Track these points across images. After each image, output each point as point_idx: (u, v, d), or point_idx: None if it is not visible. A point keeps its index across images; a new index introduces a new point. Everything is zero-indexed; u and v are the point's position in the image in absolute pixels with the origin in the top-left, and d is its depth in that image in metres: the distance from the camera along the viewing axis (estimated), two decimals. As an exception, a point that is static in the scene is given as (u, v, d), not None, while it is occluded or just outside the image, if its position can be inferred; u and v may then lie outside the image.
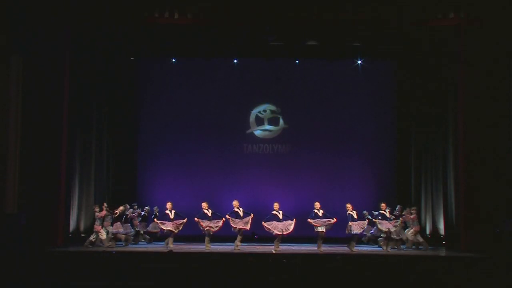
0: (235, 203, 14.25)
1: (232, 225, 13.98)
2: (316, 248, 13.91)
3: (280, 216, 13.99)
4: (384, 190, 16.56)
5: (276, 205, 14.16)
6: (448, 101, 15.37)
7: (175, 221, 14.06)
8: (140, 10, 14.05)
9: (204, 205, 14.19)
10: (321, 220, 13.97)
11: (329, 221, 13.98)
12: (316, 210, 14.12)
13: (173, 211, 14.26)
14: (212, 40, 15.67)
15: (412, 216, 14.65)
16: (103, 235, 14.29)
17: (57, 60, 14.03)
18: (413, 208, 14.90)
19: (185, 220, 14.15)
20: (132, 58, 16.85)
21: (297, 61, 17.08)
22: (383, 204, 14.45)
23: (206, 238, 13.97)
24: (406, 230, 14.70)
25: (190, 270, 8.63)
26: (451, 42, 14.75)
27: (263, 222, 13.97)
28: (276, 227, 13.85)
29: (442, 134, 15.76)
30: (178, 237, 15.27)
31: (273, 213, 14.04)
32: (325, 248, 14.24)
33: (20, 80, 13.82)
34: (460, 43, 14.32)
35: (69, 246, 14.02)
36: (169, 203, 14.37)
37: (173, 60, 16.99)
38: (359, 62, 16.78)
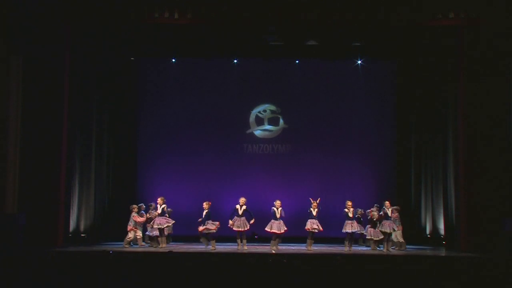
0: (242, 200, 14.27)
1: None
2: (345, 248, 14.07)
3: (278, 215, 14.02)
4: (384, 190, 16.56)
5: (277, 203, 14.18)
6: (448, 101, 15.38)
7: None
8: (140, 10, 14.04)
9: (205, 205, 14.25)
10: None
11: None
12: (346, 210, 14.23)
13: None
14: (212, 40, 15.68)
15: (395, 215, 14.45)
16: (139, 234, 14.55)
17: (57, 60, 14.03)
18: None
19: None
20: (132, 58, 16.85)
21: (297, 61, 17.08)
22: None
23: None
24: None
25: (190, 270, 8.62)
26: (451, 42, 14.76)
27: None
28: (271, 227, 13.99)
29: (442, 134, 15.76)
30: (178, 238, 15.36)
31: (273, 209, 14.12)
32: (324, 248, 14.26)
33: (20, 80, 13.82)
34: (460, 43, 14.33)
35: (69, 246, 14.03)
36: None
37: (173, 60, 16.99)
38: (359, 62, 16.78)
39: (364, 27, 14.69)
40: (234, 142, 16.99)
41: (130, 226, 14.53)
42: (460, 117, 14.35)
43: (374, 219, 14.23)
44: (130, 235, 14.47)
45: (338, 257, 9.66)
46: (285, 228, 14.04)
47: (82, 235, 15.37)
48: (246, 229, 14.06)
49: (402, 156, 16.82)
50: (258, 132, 17.11)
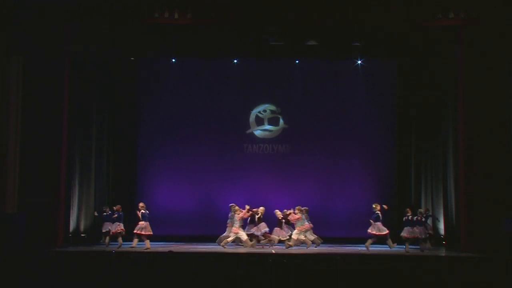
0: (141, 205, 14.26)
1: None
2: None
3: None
4: (384, 190, 16.56)
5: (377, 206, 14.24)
6: (448, 101, 15.38)
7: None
8: (140, 10, 14.04)
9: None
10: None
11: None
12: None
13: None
14: (212, 40, 15.68)
15: (297, 216, 14.46)
16: (243, 236, 14.37)
17: (57, 60, 14.04)
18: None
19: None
20: (132, 58, 16.85)
21: (297, 61, 17.08)
22: None
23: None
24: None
25: (190, 270, 8.63)
26: (451, 42, 14.76)
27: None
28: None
29: (442, 134, 15.76)
30: (178, 237, 15.36)
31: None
32: (325, 248, 14.26)
33: (20, 80, 13.82)
34: (460, 43, 14.33)
35: (69, 246, 14.04)
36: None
37: (173, 60, 16.99)
38: (359, 62, 16.78)
39: (364, 27, 14.69)
40: (234, 142, 16.99)
41: (236, 227, 14.30)
42: (460, 117, 14.35)
43: (279, 218, 14.50)
44: (232, 236, 14.31)
45: (338, 257, 9.68)
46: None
47: (82, 235, 15.37)
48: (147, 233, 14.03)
49: (402, 156, 16.82)
50: (258, 132, 17.11)
